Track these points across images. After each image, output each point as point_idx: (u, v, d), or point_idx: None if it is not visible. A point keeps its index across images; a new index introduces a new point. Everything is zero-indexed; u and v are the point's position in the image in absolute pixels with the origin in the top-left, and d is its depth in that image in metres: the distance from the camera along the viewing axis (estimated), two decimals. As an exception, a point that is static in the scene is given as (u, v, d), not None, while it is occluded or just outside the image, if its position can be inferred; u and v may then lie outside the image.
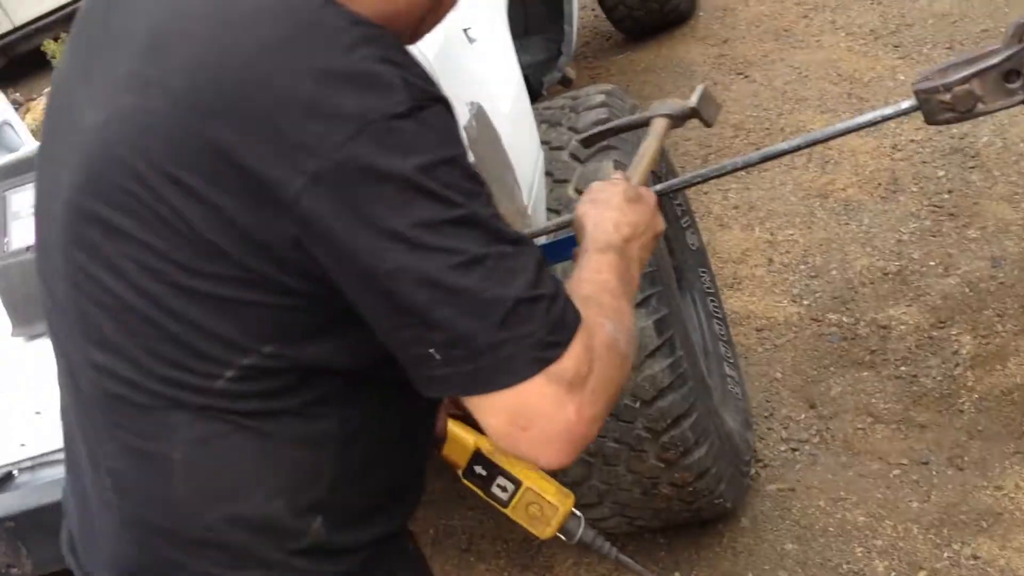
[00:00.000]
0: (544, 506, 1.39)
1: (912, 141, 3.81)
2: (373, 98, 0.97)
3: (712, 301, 2.89)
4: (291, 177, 0.97)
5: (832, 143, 3.95)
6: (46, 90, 3.22)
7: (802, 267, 3.40)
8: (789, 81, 4.49)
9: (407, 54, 1.04)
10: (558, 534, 1.41)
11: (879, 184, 3.67)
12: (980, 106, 1.41)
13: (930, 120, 1.49)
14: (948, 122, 1.48)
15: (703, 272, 2.91)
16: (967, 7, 4.50)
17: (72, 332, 1.16)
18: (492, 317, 0.97)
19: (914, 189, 3.58)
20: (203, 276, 1.03)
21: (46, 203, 1.18)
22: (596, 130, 1.94)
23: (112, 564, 1.19)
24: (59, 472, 1.78)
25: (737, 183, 3.92)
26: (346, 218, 0.97)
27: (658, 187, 1.65)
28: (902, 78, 4.21)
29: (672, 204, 2.77)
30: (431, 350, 0.99)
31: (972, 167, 3.58)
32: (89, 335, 1.12)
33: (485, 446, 1.39)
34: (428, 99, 1.00)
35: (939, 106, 1.44)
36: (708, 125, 1.75)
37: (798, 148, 1.71)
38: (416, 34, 1.19)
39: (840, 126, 1.60)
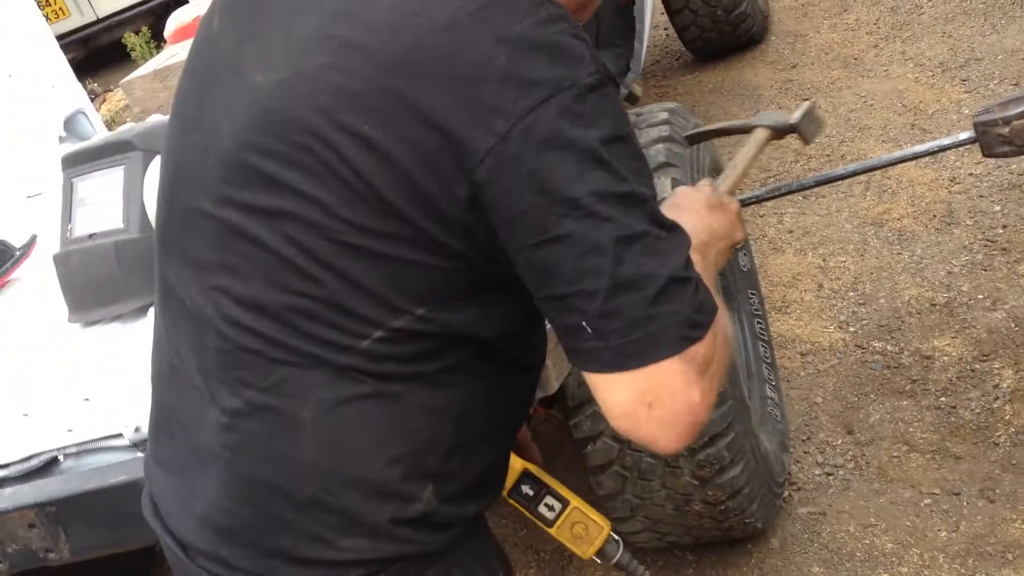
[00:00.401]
0: (589, 526, 1.43)
1: (971, 175, 3.84)
2: (566, 68, 1.02)
3: (759, 323, 2.96)
4: (481, 137, 1.01)
5: (891, 173, 4.00)
6: (122, 81, 3.35)
7: (851, 294, 3.46)
8: (854, 109, 4.53)
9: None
10: (596, 557, 1.45)
11: (934, 216, 3.71)
12: None
13: (987, 152, 1.50)
14: (1005, 155, 1.49)
15: (752, 294, 2.98)
16: (1038, 44, 4.51)
17: (207, 289, 1.17)
18: (646, 291, 1.00)
19: (969, 222, 3.62)
20: (369, 233, 1.06)
21: (190, 164, 1.20)
22: (700, 129, 1.97)
23: (208, 522, 1.20)
24: (105, 459, 1.86)
25: (793, 208, 3.98)
26: (526, 180, 1.01)
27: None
28: (967, 111, 4.23)
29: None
30: (583, 322, 1.02)
31: (1029, 203, 3.60)
32: (230, 290, 1.14)
33: (533, 468, 1.43)
34: (608, 77, 1.05)
35: (997, 139, 1.46)
36: (807, 143, 1.76)
37: (856, 173, 1.75)
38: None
39: (898, 154, 1.62)
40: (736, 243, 1.40)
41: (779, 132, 1.68)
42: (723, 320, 1.09)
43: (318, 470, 1.14)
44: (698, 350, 1.03)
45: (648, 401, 1.02)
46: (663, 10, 5.16)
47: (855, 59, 4.91)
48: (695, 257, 1.08)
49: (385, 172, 1.04)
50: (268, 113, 1.11)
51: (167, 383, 1.28)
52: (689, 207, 1.35)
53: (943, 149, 1.58)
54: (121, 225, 2.06)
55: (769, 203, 4.05)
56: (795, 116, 1.69)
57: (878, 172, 4.04)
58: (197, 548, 1.23)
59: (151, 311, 1.65)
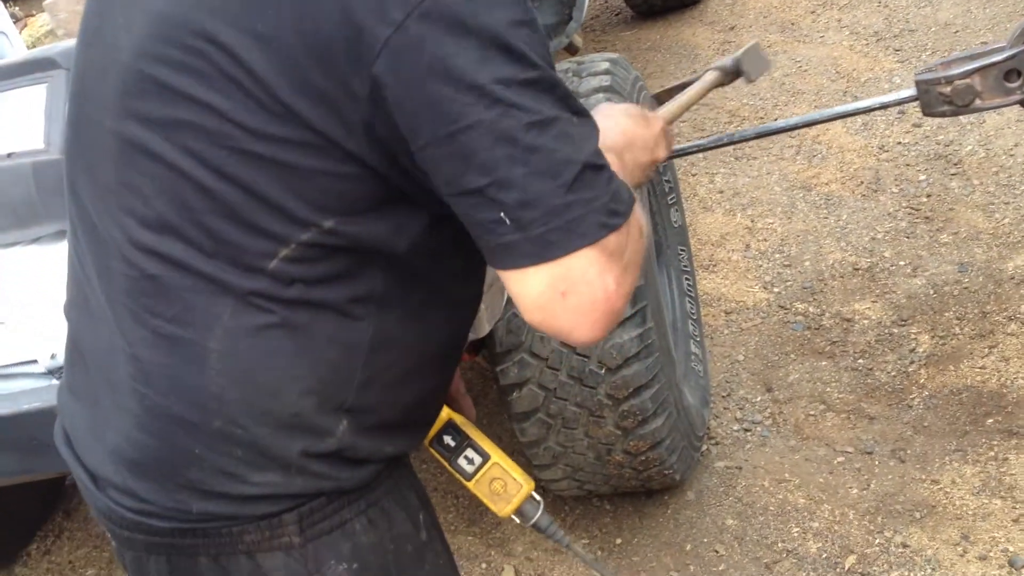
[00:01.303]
0: (508, 483, 1.39)
1: (899, 143, 3.91)
2: None
3: (687, 280, 2.99)
4: (376, 28, 0.97)
5: (821, 139, 4.05)
6: (46, 2, 3.24)
7: (777, 255, 3.51)
8: (789, 74, 4.57)
9: None
10: (514, 516, 1.42)
11: (862, 182, 3.77)
12: (978, 102, 1.44)
13: (927, 111, 1.50)
14: (944, 115, 1.50)
15: (682, 250, 3.00)
16: (970, 19, 4.58)
17: (113, 212, 1.13)
18: (563, 177, 0.98)
19: (895, 190, 3.68)
20: (269, 139, 1.03)
21: (92, 80, 1.17)
22: (666, 87, 1.96)
23: (119, 455, 1.17)
24: (19, 385, 1.81)
25: (725, 168, 4.02)
26: (427, 69, 0.97)
27: None
28: (898, 81, 4.29)
29: (661, 180, 2.87)
30: (501, 214, 0.99)
31: (953, 174, 3.68)
32: (135, 212, 1.10)
33: (457, 418, 1.40)
34: None
35: (938, 98, 1.47)
36: (749, 81, 1.74)
37: (796, 126, 1.76)
38: None
39: (839, 108, 1.62)
40: (657, 160, 1.37)
41: (727, 72, 1.67)
42: (639, 212, 1.07)
43: (226, 402, 1.11)
44: (614, 239, 1.01)
45: (562, 290, 1.00)
46: (605, -36, 5.15)
47: (792, 24, 4.95)
48: (609, 157, 1.06)
49: (280, 71, 1.01)
50: (162, 19, 1.08)
51: (80, 311, 1.24)
52: (607, 114, 1.32)
53: (884, 106, 1.59)
54: (42, 145, 1.99)
55: (702, 163, 4.08)
56: (738, 53, 1.68)
57: (809, 136, 4.09)
58: (108, 480, 1.20)
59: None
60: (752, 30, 4.97)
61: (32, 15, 7.74)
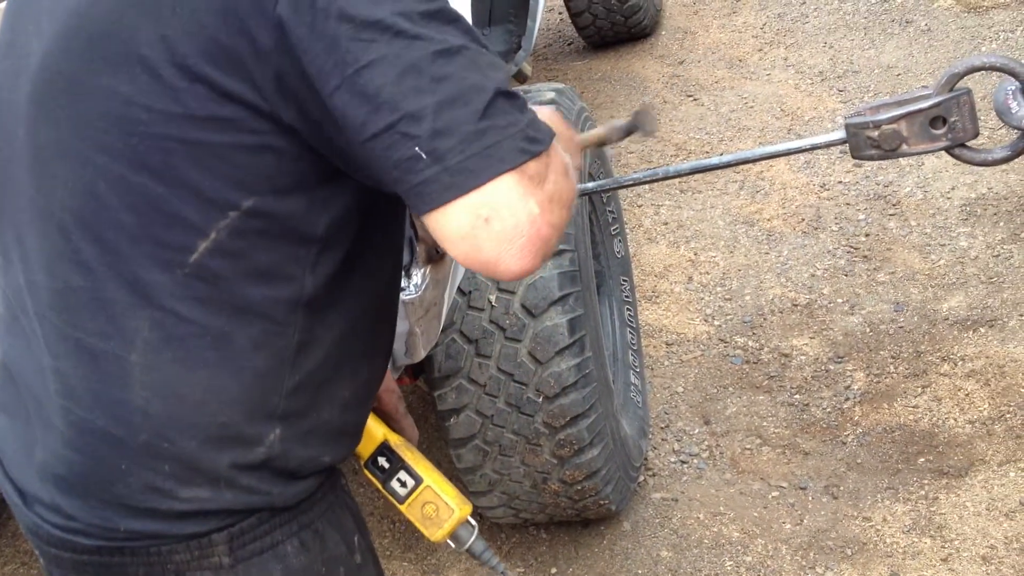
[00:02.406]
0: (440, 507, 1.37)
1: (840, 183, 3.97)
2: None
3: (628, 310, 3.00)
4: None
5: (765, 175, 4.11)
6: None
7: (719, 289, 3.54)
8: (735, 109, 4.63)
9: None
10: (448, 541, 1.40)
11: (803, 219, 3.82)
12: (904, 147, 1.45)
13: (855, 154, 1.52)
14: (872, 158, 1.52)
15: (624, 281, 3.02)
16: (912, 63, 4.67)
17: (35, 223, 1.12)
18: (475, 104, 0.97)
19: (834, 228, 3.74)
20: (179, 119, 1.01)
21: (5, 93, 1.16)
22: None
23: (46, 471, 1.15)
24: None
25: (670, 201, 4.05)
26: (325, 10, 0.97)
27: (591, 185, 1.72)
28: (841, 120, 4.35)
29: (605, 210, 2.88)
30: (416, 148, 0.97)
31: (892, 214, 3.75)
32: (53, 219, 1.08)
33: (393, 439, 1.39)
34: None
35: (866, 142, 1.47)
36: (644, 135, 1.78)
37: (730, 164, 1.77)
38: None
39: (772, 148, 1.64)
40: (571, 164, 1.38)
41: (618, 131, 1.70)
42: (561, 150, 1.07)
43: (151, 415, 1.09)
44: (534, 165, 1.00)
45: (484, 216, 0.98)
46: (559, -6, 5.18)
47: (740, 61, 5.02)
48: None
49: (187, 38, 1.00)
50: (68, 15, 1.07)
51: (9, 330, 1.22)
52: (537, 109, 1.34)
53: (815, 147, 1.60)
54: None
55: (647, 195, 4.12)
56: (631, 115, 1.74)
57: (753, 172, 4.14)
58: (35, 496, 1.18)
59: None
60: (700, 65, 5.03)
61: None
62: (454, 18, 1.01)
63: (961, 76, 1.41)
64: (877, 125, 1.48)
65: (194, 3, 1.01)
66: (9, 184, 1.16)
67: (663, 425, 3.01)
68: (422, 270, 1.76)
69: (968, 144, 1.44)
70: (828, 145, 1.60)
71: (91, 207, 1.06)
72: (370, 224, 1.14)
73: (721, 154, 4.28)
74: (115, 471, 1.11)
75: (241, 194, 1.04)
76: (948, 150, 1.45)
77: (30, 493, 1.19)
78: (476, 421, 2.30)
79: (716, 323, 3.39)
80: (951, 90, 1.43)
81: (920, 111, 1.46)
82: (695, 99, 4.75)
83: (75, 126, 1.06)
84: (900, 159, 4.01)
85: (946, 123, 1.47)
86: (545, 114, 1.34)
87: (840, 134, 1.55)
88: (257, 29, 0.99)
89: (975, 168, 3.88)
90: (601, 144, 1.66)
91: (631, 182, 1.78)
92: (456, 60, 0.98)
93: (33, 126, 1.11)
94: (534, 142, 1.00)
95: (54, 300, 1.11)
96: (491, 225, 0.98)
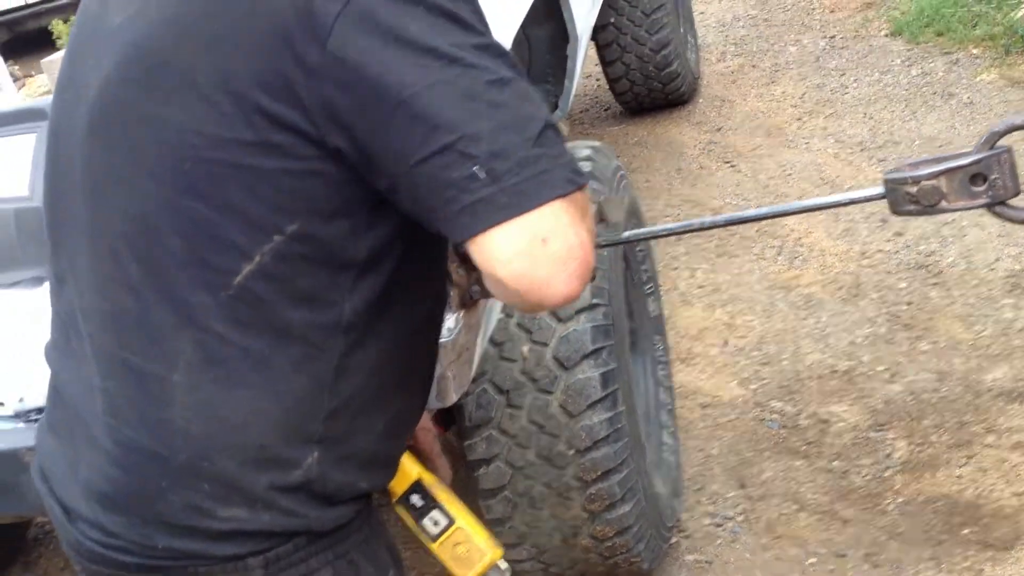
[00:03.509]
0: (472, 549, 1.37)
1: (880, 251, 3.92)
2: None
3: (662, 370, 2.95)
4: (328, 3, 1.00)
5: (804, 241, 4.07)
6: (45, 60, 3.25)
7: (755, 353, 3.48)
8: (773, 177, 4.60)
9: None
10: None
11: (842, 286, 3.76)
12: (943, 203, 1.44)
13: (894, 209, 1.52)
14: (910, 214, 1.52)
15: (658, 340, 2.98)
16: (953, 134, 4.64)
17: (87, 247, 1.16)
18: (528, 132, 1.01)
19: (874, 296, 3.68)
20: (229, 144, 1.04)
21: (64, 123, 1.20)
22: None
23: (90, 488, 1.18)
24: None
25: (706, 264, 4.01)
26: (382, 37, 1.00)
27: (626, 233, 1.71)
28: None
29: (639, 269, 2.85)
30: (475, 168, 0.99)
31: (934, 284, 3.68)
32: (104, 243, 1.13)
33: (427, 478, 1.39)
34: None
35: (905, 197, 1.46)
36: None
37: (766, 216, 1.76)
38: None
39: (809, 202, 1.65)
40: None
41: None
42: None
43: (192, 436, 1.11)
44: (580, 196, 1.03)
45: (543, 237, 1.00)
46: (597, 61, 5.21)
47: (778, 129, 5.01)
48: None
49: (239, 64, 1.03)
50: (126, 47, 1.11)
51: (61, 352, 1.27)
52: None
53: (853, 202, 1.59)
54: (26, 193, 2.01)
55: (683, 257, 4.08)
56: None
57: (791, 239, 4.10)
58: (79, 513, 1.21)
59: (48, 283, 1.60)
60: (738, 132, 5.02)
61: (31, 75, 7.82)
62: (503, 53, 1.05)
63: (1002, 135, 1.40)
64: (916, 181, 1.48)
65: (248, 31, 1.03)
66: (67, 211, 1.19)
67: (697, 487, 2.93)
68: (455, 314, 1.75)
69: (1008, 203, 1.42)
70: (867, 200, 1.60)
71: (141, 231, 1.10)
72: (412, 255, 1.15)
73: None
74: (156, 489, 1.13)
75: (286, 218, 1.06)
76: (988, 208, 1.44)
77: (74, 510, 1.21)
78: (506, 472, 2.25)
79: (752, 387, 3.33)
80: (991, 148, 1.42)
81: (960, 168, 1.46)
82: (732, 165, 4.73)
83: (129, 153, 1.10)
84: (944, 230, 3.96)
85: (986, 180, 1.47)
86: None
87: (879, 189, 1.55)
88: (310, 55, 1.01)
89: (1020, 240, 3.83)
90: None
91: (665, 232, 1.76)
92: (508, 89, 1.02)
93: (89, 154, 1.14)
94: (578, 174, 1.04)
95: (104, 322, 1.15)
96: (548, 246, 1.00)
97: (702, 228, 1.78)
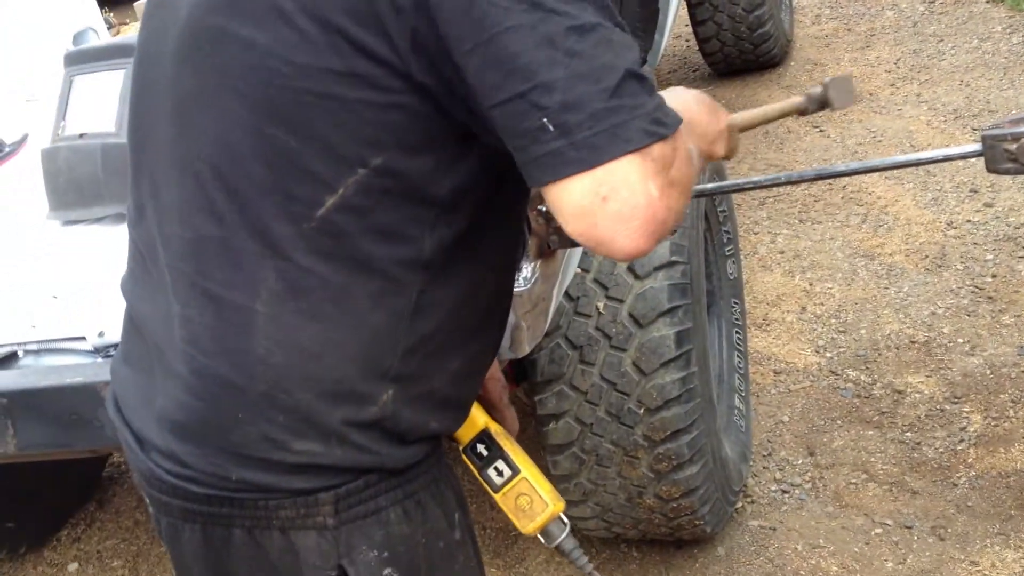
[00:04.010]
0: (535, 500, 1.36)
1: (968, 221, 3.85)
2: None
3: (738, 333, 2.95)
4: None
5: (889, 209, 4.00)
6: (137, 3, 3.33)
7: (833, 320, 3.46)
8: (862, 143, 4.53)
9: None
10: (539, 535, 1.39)
11: (926, 256, 3.71)
12: None
13: (991, 167, 1.48)
14: (1008, 172, 1.46)
15: (735, 303, 2.97)
16: (1053, 104, 4.52)
17: (169, 172, 1.15)
18: (605, 82, 0.98)
19: (959, 267, 3.62)
20: (316, 73, 1.03)
21: (152, 47, 1.20)
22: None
23: (165, 417, 1.18)
24: (64, 360, 1.85)
25: (788, 230, 3.98)
26: None
27: (710, 186, 1.67)
28: (973, 161, 4.23)
29: (721, 230, 2.85)
30: (544, 119, 0.98)
31: (1022, 257, 3.61)
32: (190, 168, 1.12)
33: (494, 428, 1.39)
34: None
35: (1003, 154, 1.44)
36: (834, 108, 1.72)
37: (856, 172, 1.72)
38: None
39: (901, 158, 1.59)
40: (714, 155, 1.34)
41: (812, 99, 1.62)
42: (686, 135, 1.07)
43: (270, 365, 1.11)
44: (659, 148, 1.00)
45: (603, 194, 0.98)
46: (688, 21, 5.16)
47: (871, 95, 4.91)
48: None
49: None
50: None
51: (138, 282, 1.26)
52: (676, 94, 1.30)
53: (948, 159, 1.56)
54: (113, 128, 2.04)
55: (765, 222, 4.05)
56: (827, 80, 1.65)
57: (877, 207, 4.04)
58: (152, 443, 1.21)
59: None
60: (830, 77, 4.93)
61: (126, 23, 7.96)
62: None
63: None
64: (1017, 138, 1.44)
65: None
66: (151, 135, 1.20)
67: (766, 453, 2.94)
68: (532, 264, 1.76)
69: None
70: (963, 157, 1.55)
71: (226, 157, 1.09)
72: (494, 197, 1.15)
73: (844, 186, 4.20)
74: (232, 419, 1.13)
75: (371, 151, 1.06)
76: None
77: (147, 440, 1.22)
78: (575, 428, 2.29)
79: (828, 355, 3.31)
80: None
81: None
82: (821, 131, 4.66)
83: (215, 76, 1.10)
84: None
85: None
86: (691, 96, 1.33)
87: (976, 146, 1.50)
88: None
89: (1113, 215, 3.73)
90: (784, 117, 1.59)
91: (751, 185, 1.74)
92: (590, 37, 0.99)
93: (177, 78, 1.14)
94: (661, 125, 1.00)
95: (185, 249, 1.14)
96: (608, 204, 0.98)
97: (789, 182, 1.75)
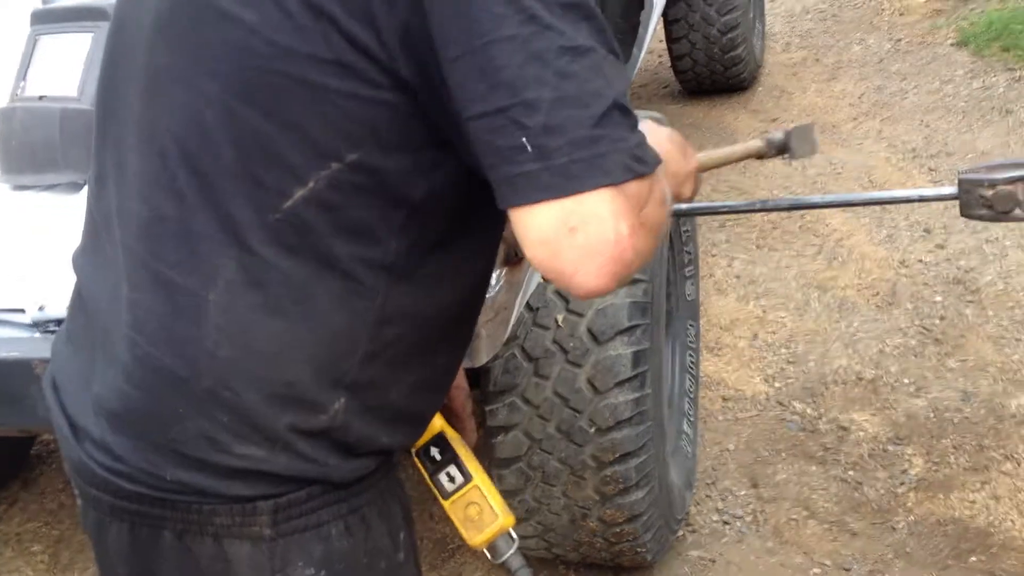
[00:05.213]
0: (485, 511, 1.30)
1: (920, 261, 3.87)
2: None
3: (691, 356, 2.92)
4: None
5: (844, 242, 4.02)
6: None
7: (783, 350, 3.45)
8: (822, 173, 4.54)
9: None
10: (485, 550, 1.33)
11: (877, 292, 3.72)
12: (1018, 211, 1.39)
13: (965, 212, 1.47)
14: (982, 218, 1.45)
15: (691, 325, 2.94)
16: (1007, 152, 4.56)
17: (135, 146, 1.09)
18: (592, 110, 0.93)
19: (909, 306, 3.63)
20: (299, 58, 0.98)
21: (129, 17, 1.14)
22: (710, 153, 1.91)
23: (101, 405, 1.12)
24: (1, 332, 1.77)
25: (745, 255, 3.97)
26: None
27: (683, 206, 1.65)
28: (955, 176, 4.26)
29: (682, 249, 2.81)
30: (524, 139, 0.93)
31: (969, 301, 3.64)
32: (153, 144, 1.07)
33: (450, 433, 1.33)
34: None
35: (979, 200, 1.41)
36: (793, 158, 1.69)
37: (832, 205, 1.71)
38: None
39: (877, 194, 1.59)
40: (681, 196, 1.32)
41: (772, 145, 1.61)
42: (663, 178, 1.03)
43: (218, 360, 1.05)
44: (636, 186, 0.95)
45: (572, 225, 0.93)
46: (662, 37, 5.14)
47: (833, 126, 4.94)
48: None
49: None
50: None
51: (90, 258, 1.20)
52: (651, 130, 1.25)
53: (924, 199, 1.54)
54: (74, 93, 1.95)
55: (723, 245, 4.04)
56: (790, 128, 1.63)
57: (832, 239, 4.06)
58: (86, 432, 1.14)
59: (85, 189, 1.54)
60: (794, 124, 4.94)
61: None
62: (591, 15, 0.97)
63: None
64: (993, 184, 1.42)
65: None
66: (120, 104, 1.13)
67: (710, 481, 2.92)
68: (498, 272, 1.71)
69: None
70: (938, 199, 1.54)
71: (195, 135, 1.03)
72: (469, 207, 1.10)
73: (802, 215, 4.20)
74: (172, 414, 1.07)
75: (348, 145, 1.00)
76: None
77: (81, 427, 1.15)
78: (524, 443, 2.24)
79: (776, 385, 3.30)
80: None
81: None
82: (783, 158, 4.65)
83: (194, 50, 1.04)
84: (985, 247, 3.90)
85: None
86: (665, 134, 1.30)
87: (952, 189, 1.49)
88: None
89: (1061, 268, 3.77)
90: (745, 159, 1.57)
91: (726, 209, 1.72)
92: (582, 60, 0.94)
93: (153, 47, 1.08)
94: (641, 162, 0.96)
95: (142, 228, 1.08)
96: (575, 236, 0.93)
97: (764, 209, 1.73)
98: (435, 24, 0.95)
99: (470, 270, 1.18)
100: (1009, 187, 1.41)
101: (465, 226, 1.12)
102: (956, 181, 1.46)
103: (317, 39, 0.97)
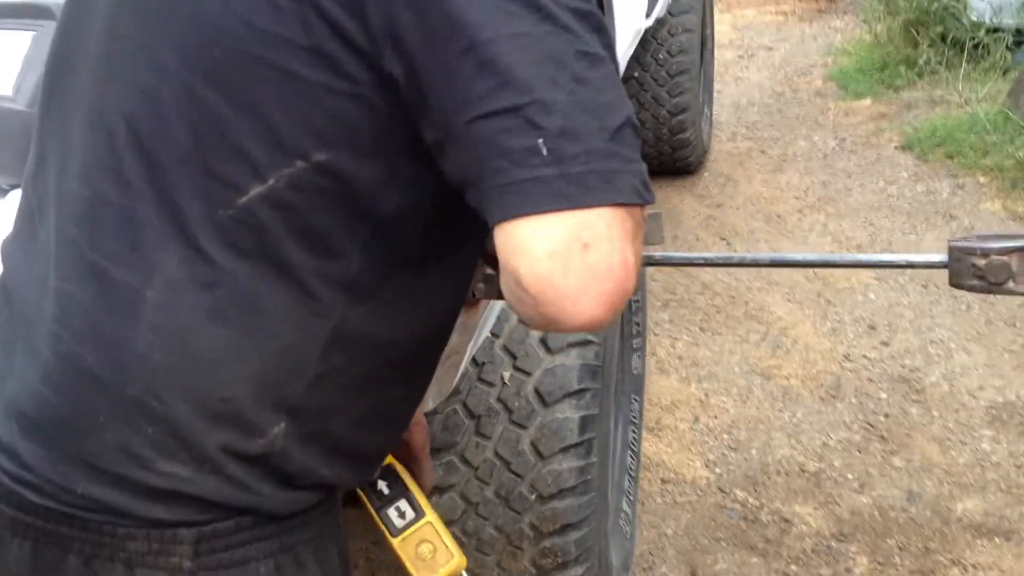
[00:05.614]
0: (439, 550, 1.22)
1: (865, 356, 3.80)
2: None
3: (633, 432, 2.79)
4: None
5: (789, 332, 3.94)
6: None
7: (725, 436, 3.32)
8: (766, 263, 4.48)
9: None
10: None
11: (821, 384, 3.63)
12: (1010, 283, 1.32)
13: (955, 281, 1.40)
14: (972, 289, 1.39)
15: (635, 400, 2.82)
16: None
17: (81, 123, 1.00)
18: (608, 122, 0.85)
19: (853, 401, 3.54)
20: (275, 41, 0.89)
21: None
22: None
23: (14, 407, 1.01)
24: None
25: (688, 336, 3.87)
26: None
27: (657, 255, 1.56)
28: (872, 297, 4.22)
29: (632, 320, 2.69)
30: (540, 140, 0.83)
31: (915, 400, 3.56)
32: (101, 121, 0.97)
33: (400, 468, 1.24)
34: None
35: (970, 269, 1.34)
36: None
37: (813, 264, 1.65)
38: None
39: (862, 256, 1.51)
40: None
41: None
42: None
43: (148, 364, 0.94)
44: (639, 214, 0.89)
45: (585, 240, 0.83)
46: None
47: (778, 217, 4.91)
48: None
49: None
50: None
51: (20, 245, 1.09)
52: None
53: (911, 265, 1.46)
54: (9, 93, 1.79)
55: (666, 325, 3.94)
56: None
57: (776, 327, 3.98)
58: None
59: (11, 195, 1.50)
60: (739, 212, 4.92)
61: None
62: (602, 27, 0.90)
63: None
64: (986, 254, 1.35)
65: None
66: (69, 80, 1.03)
67: (647, 566, 2.75)
68: (453, 311, 1.55)
69: None
70: (927, 266, 1.46)
71: (147, 115, 0.94)
72: (444, 232, 1.00)
73: (747, 303, 4.12)
74: (91, 422, 0.97)
75: (317, 144, 0.91)
76: None
77: None
78: (459, 506, 2.06)
79: (717, 470, 3.16)
80: None
81: None
82: (728, 243, 4.61)
83: (157, 24, 0.94)
84: (931, 348, 3.86)
85: None
86: None
87: (941, 256, 1.41)
88: None
89: (1006, 373, 3.72)
90: None
91: (702, 261, 1.61)
92: (599, 69, 0.87)
93: (113, 18, 0.98)
94: (647, 190, 0.89)
95: (80, 212, 0.98)
96: (587, 253, 0.84)
97: (742, 264, 1.65)
98: (432, 19, 0.86)
99: (438, 302, 1.08)
100: (1004, 257, 1.35)
101: (437, 252, 1.02)
102: (946, 249, 1.39)
103: (297, 24, 0.88)
